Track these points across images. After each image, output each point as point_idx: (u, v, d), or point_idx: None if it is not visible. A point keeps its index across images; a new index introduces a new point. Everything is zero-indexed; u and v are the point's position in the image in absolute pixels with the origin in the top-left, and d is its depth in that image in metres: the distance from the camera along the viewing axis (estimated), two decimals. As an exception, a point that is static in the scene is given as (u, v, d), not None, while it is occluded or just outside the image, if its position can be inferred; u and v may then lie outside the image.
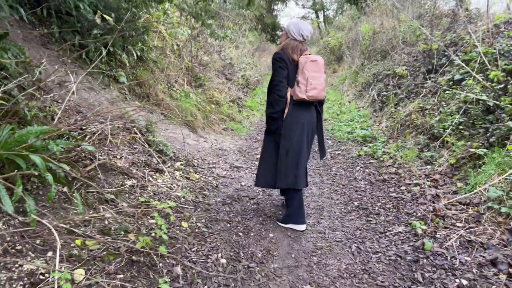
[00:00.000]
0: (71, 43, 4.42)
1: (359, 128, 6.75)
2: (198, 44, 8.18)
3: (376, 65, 10.80)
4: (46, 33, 4.58)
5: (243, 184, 3.92)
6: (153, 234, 2.48)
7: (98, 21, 2.25)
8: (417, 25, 8.51)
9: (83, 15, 4.67)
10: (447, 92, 5.40)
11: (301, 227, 2.93)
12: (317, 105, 2.88)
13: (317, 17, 29.18)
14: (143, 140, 3.79)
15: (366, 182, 4.10)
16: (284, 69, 2.69)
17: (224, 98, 7.86)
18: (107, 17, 2.30)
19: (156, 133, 4.22)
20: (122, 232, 2.47)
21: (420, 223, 2.91)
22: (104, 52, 4.73)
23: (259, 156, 3.60)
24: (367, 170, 4.50)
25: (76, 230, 2.28)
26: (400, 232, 2.87)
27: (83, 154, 3.04)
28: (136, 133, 3.79)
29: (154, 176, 3.45)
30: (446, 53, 6.72)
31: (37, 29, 4.63)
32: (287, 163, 2.82)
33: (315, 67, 2.67)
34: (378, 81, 9.24)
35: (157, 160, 3.68)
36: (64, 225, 2.30)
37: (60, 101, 3.64)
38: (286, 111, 2.79)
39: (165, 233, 2.37)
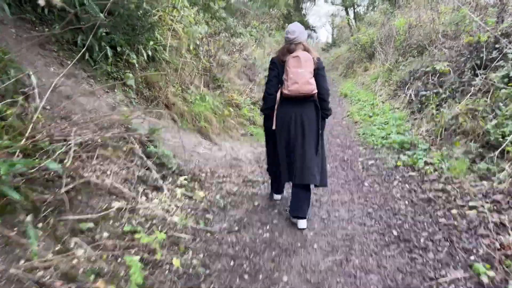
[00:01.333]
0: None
1: (395, 132, 5.96)
2: (219, 42, 7.67)
3: (412, 62, 9.88)
4: (45, 32, 4.20)
5: (256, 203, 3.32)
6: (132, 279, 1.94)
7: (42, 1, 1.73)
8: (465, 12, 7.57)
9: (88, 12, 4.25)
10: (502, 91, 4.55)
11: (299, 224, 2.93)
12: (315, 101, 2.90)
13: (347, 14, 28.09)
14: (141, 152, 3.28)
15: (407, 201, 3.38)
16: (273, 69, 2.95)
17: (244, 101, 7.29)
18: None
19: (160, 142, 3.71)
20: (92, 277, 1.94)
21: (486, 266, 2.19)
22: (108, 51, 4.30)
23: None
24: (407, 185, 3.77)
25: (27, 277, 1.77)
26: (458, 279, 2.16)
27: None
28: (133, 143, 3.28)
29: (150, 196, 2.92)
30: (497, 46, 5.82)
31: (36, 28, 4.26)
32: (275, 155, 3.09)
33: (296, 63, 2.77)
34: (415, 80, 8.36)
35: (155, 175, 3.15)
36: (15, 270, 1.80)
37: (48, 107, 3.20)
38: (276, 107, 2.97)
39: (139, 285, 1.81)
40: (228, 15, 6.16)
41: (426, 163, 4.29)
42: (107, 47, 4.57)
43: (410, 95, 7.64)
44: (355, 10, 27.74)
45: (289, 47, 2.88)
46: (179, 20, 6.29)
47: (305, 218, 2.90)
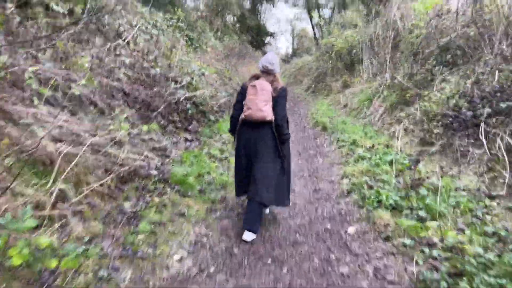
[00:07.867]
0: None
1: None
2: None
3: (451, 75, 5.38)
4: None
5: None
6: None
7: None
8: None
9: None
10: None
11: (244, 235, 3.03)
12: (272, 127, 3.06)
13: (311, 18, 23.98)
14: None
15: None
16: (239, 95, 3.21)
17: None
18: None
19: None
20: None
21: None
22: None
23: None
24: None
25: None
26: None
27: None
28: None
29: None
30: None
31: None
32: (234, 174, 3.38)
33: (252, 91, 3.03)
34: (494, 118, 3.76)
35: None
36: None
37: None
38: (237, 128, 3.22)
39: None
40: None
41: None
42: None
43: (489, 150, 2.94)
44: (320, 14, 23.66)
45: (260, 75, 3.14)
46: None
47: (253, 232, 3.00)
